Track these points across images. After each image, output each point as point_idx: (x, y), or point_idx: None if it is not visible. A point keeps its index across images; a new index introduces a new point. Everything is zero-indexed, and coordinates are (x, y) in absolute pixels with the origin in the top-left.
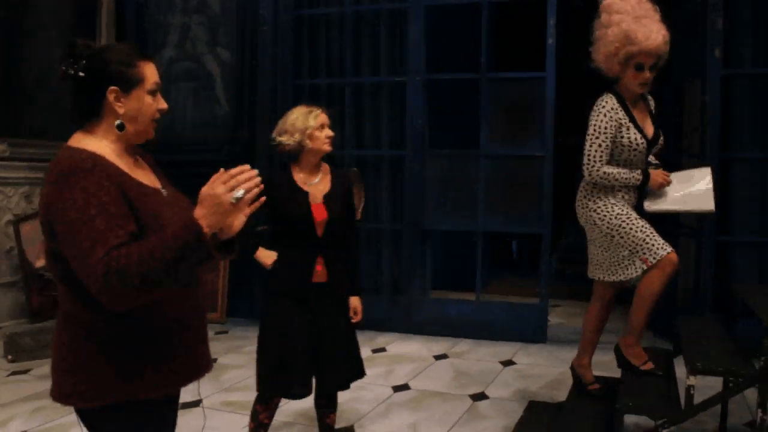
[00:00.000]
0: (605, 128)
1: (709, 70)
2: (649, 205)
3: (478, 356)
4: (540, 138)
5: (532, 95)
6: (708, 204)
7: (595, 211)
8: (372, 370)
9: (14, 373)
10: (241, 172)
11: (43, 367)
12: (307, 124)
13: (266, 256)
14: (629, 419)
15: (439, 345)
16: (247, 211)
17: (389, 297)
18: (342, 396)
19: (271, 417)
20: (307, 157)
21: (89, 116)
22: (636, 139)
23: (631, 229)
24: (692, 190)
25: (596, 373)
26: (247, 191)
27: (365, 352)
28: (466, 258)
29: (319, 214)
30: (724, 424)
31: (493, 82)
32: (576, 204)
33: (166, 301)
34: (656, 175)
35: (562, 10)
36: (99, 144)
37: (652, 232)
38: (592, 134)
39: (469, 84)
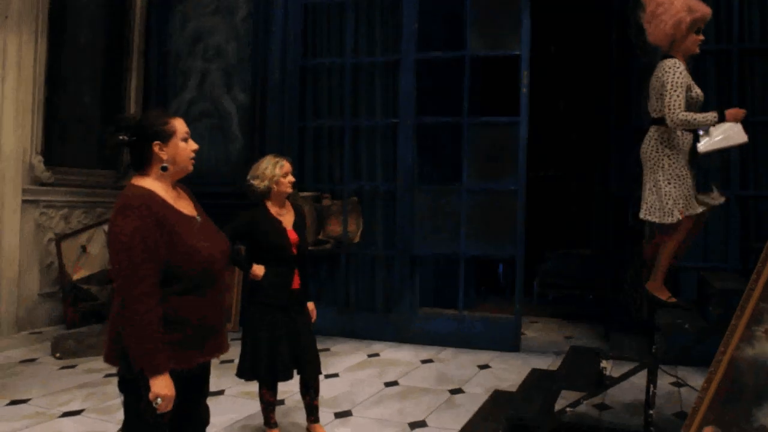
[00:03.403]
0: (680, 83)
1: None
2: (701, 147)
3: (459, 362)
4: (514, 174)
5: (507, 137)
6: (743, 137)
7: (668, 156)
8: (367, 371)
9: (64, 367)
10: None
11: (88, 363)
12: (274, 172)
13: (258, 268)
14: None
15: (426, 352)
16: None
17: (383, 312)
18: (341, 388)
19: (274, 396)
20: (275, 196)
21: (143, 164)
22: (699, 94)
23: (684, 183)
24: (728, 132)
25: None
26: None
27: (362, 356)
28: (456, 281)
29: (293, 237)
30: (648, 411)
31: (474, 125)
32: (645, 148)
33: (197, 302)
34: (732, 110)
35: (539, 59)
36: (152, 183)
37: (693, 193)
38: (671, 89)
39: (453, 126)
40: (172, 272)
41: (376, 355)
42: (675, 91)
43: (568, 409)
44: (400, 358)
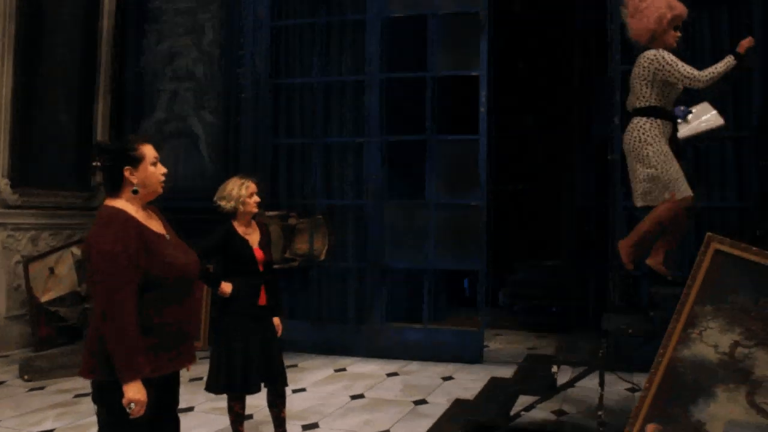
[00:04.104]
0: (675, 59)
1: None
2: (681, 134)
3: (425, 374)
4: (475, 190)
5: (468, 153)
6: (719, 121)
7: (650, 145)
8: (335, 385)
9: (33, 389)
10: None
11: (57, 384)
12: (240, 193)
13: (226, 285)
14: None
15: (393, 366)
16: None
17: (354, 325)
18: (308, 402)
19: (243, 408)
20: (242, 215)
21: (115, 187)
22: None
23: (670, 167)
24: (704, 116)
25: None
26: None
27: (328, 371)
28: (431, 295)
29: (259, 255)
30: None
31: (438, 142)
32: (628, 139)
33: (173, 309)
34: (744, 42)
35: (508, 75)
36: (124, 204)
37: (683, 176)
38: (673, 65)
39: (419, 143)
40: (150, 281)
41: (344, 369)
42: (677, 64)
43: (522, 412)
44: (367, 371)
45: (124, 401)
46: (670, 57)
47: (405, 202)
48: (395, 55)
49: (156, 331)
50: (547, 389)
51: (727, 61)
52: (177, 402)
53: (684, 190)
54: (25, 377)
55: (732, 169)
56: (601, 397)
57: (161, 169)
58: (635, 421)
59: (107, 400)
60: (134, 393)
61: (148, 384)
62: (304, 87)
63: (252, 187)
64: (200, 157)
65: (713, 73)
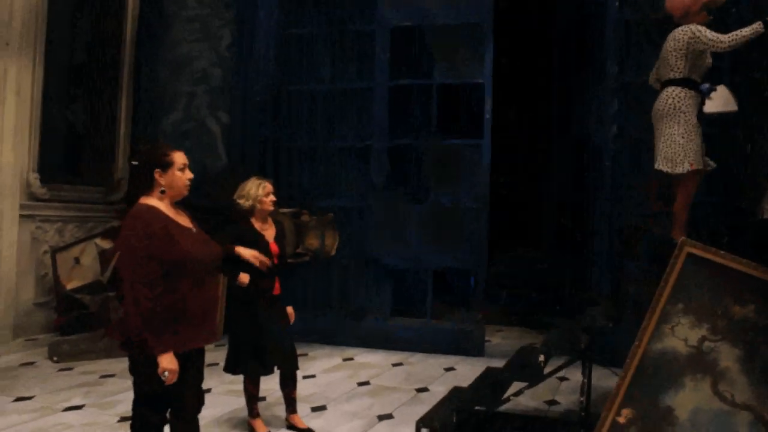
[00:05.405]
0: (704, 28)
1: None
2: (706, 109)
3: (427, 365)
4: (477, 191)
5: (473, 157)
6: (734, 106)
7: (684, 113)
8: (342, 372)
9: (61, 370)
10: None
11: (84, 366)
12: (257, 193)
13: (244, 276)
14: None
15: (398, 357)
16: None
17: (358, 318)
18: (317, 387)
19: (257, 389)
20: (259, 213)
21: (147, 187)
22: (709, 61)
23: (695, 138)
24: (722, 99)
25: None
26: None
27: (337, 360)
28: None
29: (274, 248)
30: (580, 398)
31: (442, 146)
32: (661, 106)
33: (196, 293)
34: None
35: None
36: (156, 201)
37: (702, 149)
38: (700, 34)
39: (420, 146)
40: (178, 270)
41: (351, 359)
42: (703, 32)
43: (512, 397)
44: (373, 361)
45: (159, 371)
46: (698, 27)
47: (406, 203)
48: (404, 63)
49: (183, 313)
50: (534, 377)
51: (755, 27)
52: (202, 376)
53: (698, 163)
54: (54, 359)
55: None
56: (582, 384)
57: (188, 174)
58: (611, 406)
59: (143, 370)
60: (167, 363)
61: (180, 357)
62: (314, 93)
63: (268, 187)
64: (211, 157)
65: (737, 36)
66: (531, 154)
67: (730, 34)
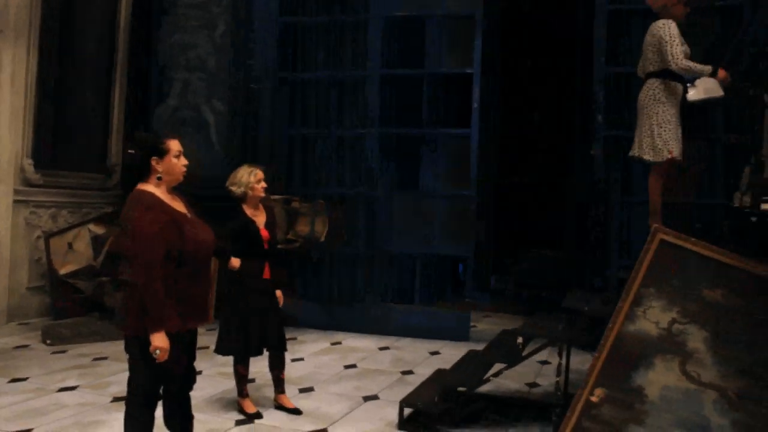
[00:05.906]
0: (676, 34)
1: None
2: (689, 97)
3: (414, 349)
4: (468, 180)
5: (462, 146)
6: (720, 92)
7: (662, 104)
8: (330, 356)
9: (55, 352)
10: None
11: (77, 349)
12: (249, 180)
13: (235, 261)
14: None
15: (385, 341)
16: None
17: (348, 305)
18: (305, 370)
19: (247, 370)
20: (250, 200)
21: (143, 173)
22: (687, 49)
23: (674, 128)
24: (707, 85)
25: None
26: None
27: (325, 344)
28: (423, 279)
29: (265, 234)
30: (556, 379)
31: (433, 135)
32: (642, 97)
33: (193, 277)
34: (723, 71)
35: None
36: (153, 188)
37: (680, 137)
38: (670, 40)
39: (417, 136)
40: (182, 257)
41: (339, 343)
42: (673, 41)
43: (491, 377)
44: (360, 345)
45: (151, 348)
46: (671, 31)
47: (403, 192)
48: (399, 53)
49: (183, 297)
50: (513, 358)
51: (704, 68)
52: (194, 356)
53: (677, 152)
54: (48, 342)
55: None
56: (559, 365)
57: (183, 161)
58: (586, 386)
59: (138, 348)
60: (159, 342)
61: (171, 338)
62: (310, 81)
63: (259, 174)
64: (205, 144)
65: (689, 67)
66: (557, 154)
67: (685, 63)
